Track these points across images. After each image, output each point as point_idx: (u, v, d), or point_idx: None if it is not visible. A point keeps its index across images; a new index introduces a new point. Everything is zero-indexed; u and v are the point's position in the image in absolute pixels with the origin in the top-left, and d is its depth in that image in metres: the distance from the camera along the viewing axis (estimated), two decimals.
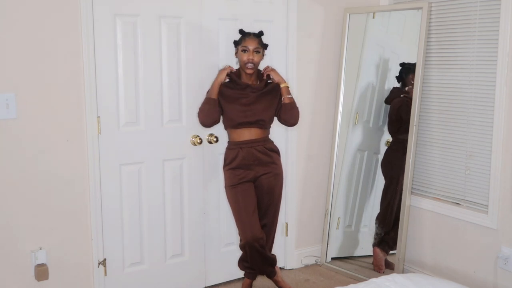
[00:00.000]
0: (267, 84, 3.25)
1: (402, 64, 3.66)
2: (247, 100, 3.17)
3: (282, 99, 3.26)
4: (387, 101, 3.75)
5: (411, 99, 3.48)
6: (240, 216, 3.20)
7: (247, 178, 3.20)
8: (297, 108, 3.30)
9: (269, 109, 3.23)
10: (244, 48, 3.14)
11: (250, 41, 3.14)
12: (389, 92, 3.77)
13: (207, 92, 3.24)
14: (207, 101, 3.18)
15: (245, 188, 3.20)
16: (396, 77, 3.68)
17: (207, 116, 3.18)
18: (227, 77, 3.22)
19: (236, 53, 3.24)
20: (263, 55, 3.20)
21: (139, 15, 3.10)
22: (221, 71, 3.22)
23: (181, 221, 3.41)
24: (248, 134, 3.21)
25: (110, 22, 3.01)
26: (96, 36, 2.97)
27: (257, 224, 3.20)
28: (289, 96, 3.25)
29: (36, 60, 2.83)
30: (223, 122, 3.27)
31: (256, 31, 3.22)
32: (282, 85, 3.24)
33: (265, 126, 3.25)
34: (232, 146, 3.24)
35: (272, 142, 3.32)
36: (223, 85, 3.21)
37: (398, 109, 3.66)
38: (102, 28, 2.98)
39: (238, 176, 3.20)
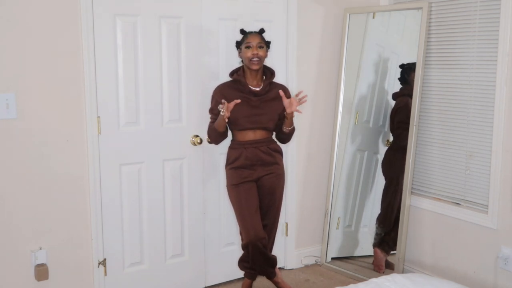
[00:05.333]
0: (270, 84, 3.23)
1: (402, 66, 3.65)
2: (251, 106, 3.14)
3: (283, 124, 3.21)
4: (393, 97, 3.73)
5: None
6: (242, 216, 3.19)
7: (250, 178, 3.19)
8: (292, 134, 3.32)
9: (273, 117, 3.19)
10: (248, 45, 3.10)
11: (252, 37, 3.12)
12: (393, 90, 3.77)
13: (211, 110, 3.21)
14: (215, 132, 3.15)
15: (247, 188, 3.19)
16: (398, 78, 3.67)
17: (216, 141, 3.25)
18: (233, 77, 3.19)
19: (239, 54, 3.20)
20: (266, 51, 3.17)
21: (139, 15, 3.10)
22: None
23: (181, 221, 3.41)
24: (252, 135, 3.19)
25: (110, 22, 3.01)
26: (96, 36, 2.97)
27: (260, 224, 3.19)
28: (290, 128, 3.22)
29: (36, 60, 2.83)
30: (227, 124, 3.17)
31: (257, 30, 3.21)
32: (290, 116, 3.14)
33: (270, 129, 3.24)
34: (236, 146, 3.22)
35: (275, 142, 3.30)
36: (227, 87, 3.18)
37: (397, 110, 3.65)
38: (102, 28, 2.98)
39: (241, 176, 3.18)
